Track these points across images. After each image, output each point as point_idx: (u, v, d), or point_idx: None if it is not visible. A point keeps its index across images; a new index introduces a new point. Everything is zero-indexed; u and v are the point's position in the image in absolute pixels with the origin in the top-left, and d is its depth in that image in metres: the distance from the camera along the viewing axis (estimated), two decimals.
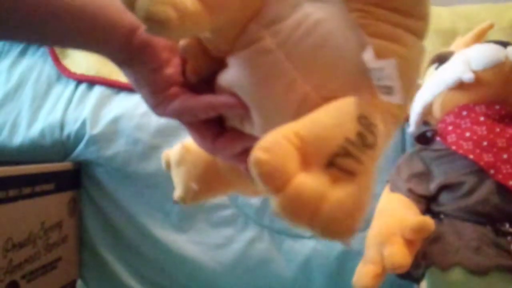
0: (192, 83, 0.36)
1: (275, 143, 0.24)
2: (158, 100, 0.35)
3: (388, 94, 0.28)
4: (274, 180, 0.23)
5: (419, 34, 0.30)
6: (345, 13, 0.29)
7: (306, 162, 0.24)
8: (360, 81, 0.29)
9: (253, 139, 0.34)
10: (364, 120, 0.26)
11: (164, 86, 0.35)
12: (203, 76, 0.36)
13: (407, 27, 0.29)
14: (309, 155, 0.24)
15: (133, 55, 0.34)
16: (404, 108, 0.31)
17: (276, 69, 0.29)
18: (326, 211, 0.23)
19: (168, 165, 0.51)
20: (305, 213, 0.23)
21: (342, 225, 0.23)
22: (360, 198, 0.24)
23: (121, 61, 0.35)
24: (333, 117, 0.26)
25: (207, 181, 0.48)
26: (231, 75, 0.32)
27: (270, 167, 0.23)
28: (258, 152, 0.23)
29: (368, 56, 0.28)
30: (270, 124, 0.28)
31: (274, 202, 0.23)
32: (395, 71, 0.27)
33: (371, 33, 0.28)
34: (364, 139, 0.25)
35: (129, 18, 0.33)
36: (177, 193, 0.50)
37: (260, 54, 0.30)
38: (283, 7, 0.30)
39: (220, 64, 0.34)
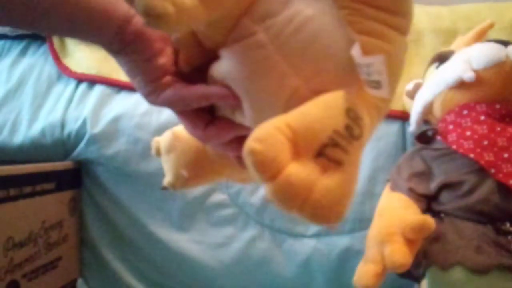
0: (184, 73, 0.36)
1: (268, 134, 0.25)
2: (151, 89, 0.36)
3: (376, 88, 0.29)
4: (267, 169, 0.24)
5: (403, 30, 0.31)
6: (334, 11, 0.30)
7: (297, 152, 0.25)
8: (348, 76, 0.30)
9: (243, 128, 0.35)
10: (351, 113, 0.27)
11: (157, 75, 0.35)
12: (195, 65, 0.37)
13: (392, 24, 0.30)
14: (300, 145, 0.25)
15: (127, 45, 0.34)
16: (388, 101, 0.32)
17: (267, 63, 0.30)
18: (315, 198, 0.24)
19: (158, 151, 0.52)
20: (296, 200, 0.24)
21: (330, 211, 0.25)
22: (347, 186, 0.26)
23: (115, 51, 0.35)
24: (323, 110, 0.27)
25: (196, 168, 0.49)
26: (224, 68, 0.33)
27: (264, 157, 0.24)
28: (252, 143, 0.24)
29: (356, 52, 0.29)
30: (261, 115, 0.30)
31: (267, 190, 0.24)
32: (383, 67, 0.28)
33: (358, 30, 0.29)
34: (351, 131, 0.27)
35: (123, 8, 0.34)
36: (167, 179, 0.51)
37: (252, 48, 0.30)
38: (275, 3, 0.30)
39: (212, 55, 0.34)
